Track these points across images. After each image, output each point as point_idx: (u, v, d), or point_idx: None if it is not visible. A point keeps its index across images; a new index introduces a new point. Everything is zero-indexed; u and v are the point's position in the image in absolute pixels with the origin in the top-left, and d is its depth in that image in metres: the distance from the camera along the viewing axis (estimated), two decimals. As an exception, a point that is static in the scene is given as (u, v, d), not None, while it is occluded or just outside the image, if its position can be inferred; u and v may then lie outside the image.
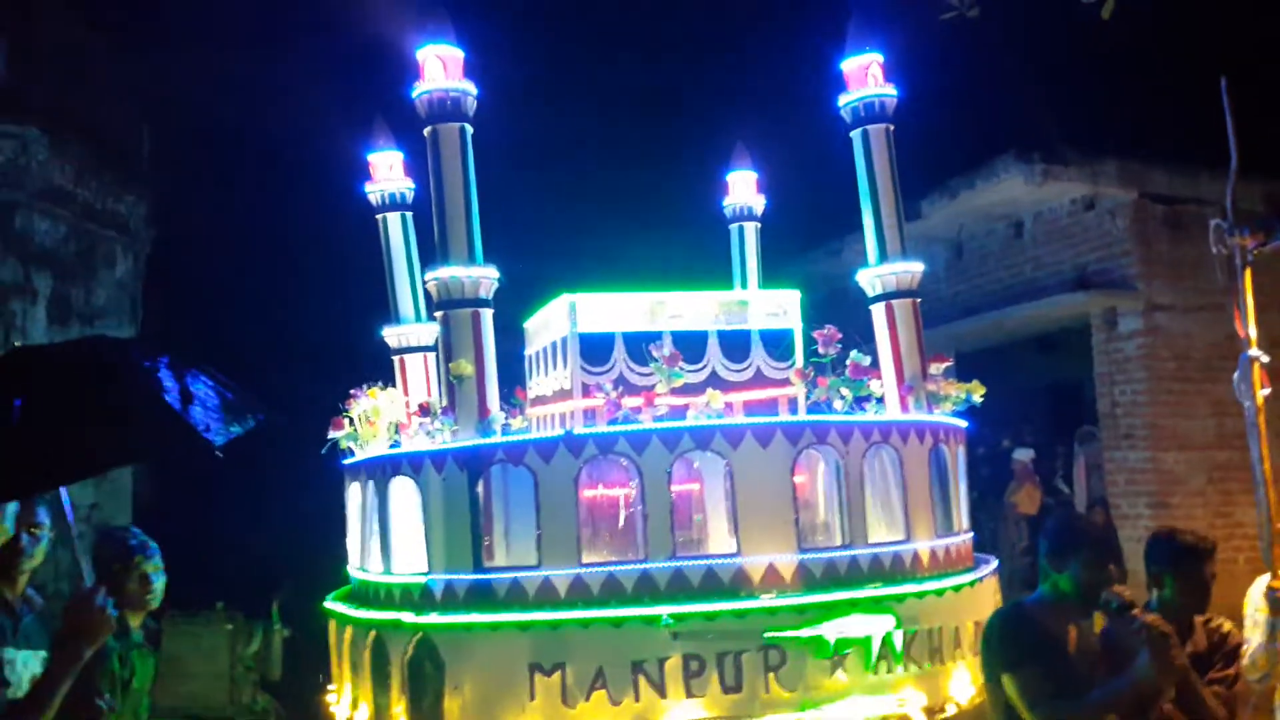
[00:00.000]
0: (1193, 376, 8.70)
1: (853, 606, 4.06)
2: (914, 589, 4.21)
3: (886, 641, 4.06)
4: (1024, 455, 9.99)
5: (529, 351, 5.66)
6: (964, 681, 4.29)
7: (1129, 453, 8.64)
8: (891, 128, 5.04)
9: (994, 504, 10.12)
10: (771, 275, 6.43)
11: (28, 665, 3.36)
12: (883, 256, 4.96)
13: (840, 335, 4.50)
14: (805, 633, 3.97)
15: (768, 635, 3.93)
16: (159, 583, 3.92)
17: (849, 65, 5.11)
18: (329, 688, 5.00)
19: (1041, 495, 9.87)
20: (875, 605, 4.10)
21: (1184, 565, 3.42)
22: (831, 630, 4.00)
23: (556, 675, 3.92)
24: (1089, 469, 9.51)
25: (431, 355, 5.73)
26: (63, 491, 2.86)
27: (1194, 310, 8.84)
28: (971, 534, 4.91)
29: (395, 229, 5.79)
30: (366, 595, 4.78)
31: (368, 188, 5.85)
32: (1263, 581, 4.25)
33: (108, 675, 3.61)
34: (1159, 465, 8.45)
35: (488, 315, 4.55)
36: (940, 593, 4.28)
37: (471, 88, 4.68)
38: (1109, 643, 3.12)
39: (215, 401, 2.91)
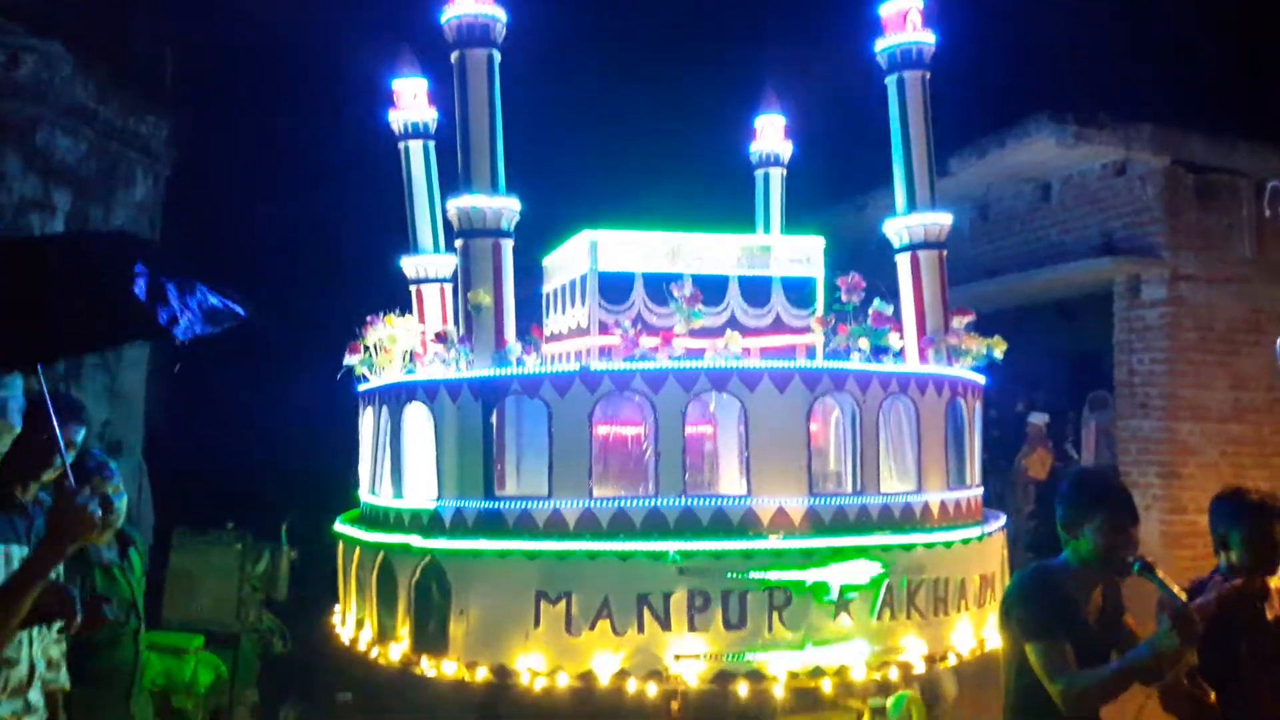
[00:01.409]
0: (1214, 348, 8.63)
1: (860, 553, 4.06)
2: (922, 539, 4.21)
3: (892, 589, 4.07)
4: (1039, 419, 9.97)
5: (547, 289, 5.63)
6: (966, 633, 4.30)
7: (1143, 421, 8.60)
8: (928, 75, 4.95)
9: (1004, 467, 10.11)
10: (794, 228, 6.36)
11: None
12: (911, 206, 4.89)
13: (864, 284, 4.45)
14: (805, 575, 3.96)
15: (767, 580, 3.92)
16: (119, 502, 3.95)
17: (887, 9, 5.00)
18: (334, 609, 5.06)
19: (1052, 460, 9.87)
20: (882, 552, 4.10)
21: (1250, 524, 3.36)
22: (836, 575, 4.00)
23: (562, 604, 3.94)
24: (1099, 435, 9.48)
25: (449, 287, 5.70)
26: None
27: (1219, 282, 8.74)
28: (982, 489, 4.89)
29: (417, 158, 5.73)
30: (376, 519, 4.81)
31: (391, 115, 5.78)
32: None
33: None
34: (1173, 435, 8.42)
35: (508, 246, 4.52)
36: (949, 544, 4.27)
37: (501, 14, 4.60)
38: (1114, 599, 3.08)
39: (193, 302, 2.94)
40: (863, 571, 4.04)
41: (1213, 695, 2.91)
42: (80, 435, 3.52)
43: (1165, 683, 2.83)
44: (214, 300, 3.02)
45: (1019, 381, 10.33)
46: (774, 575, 3.93)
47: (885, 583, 4.06)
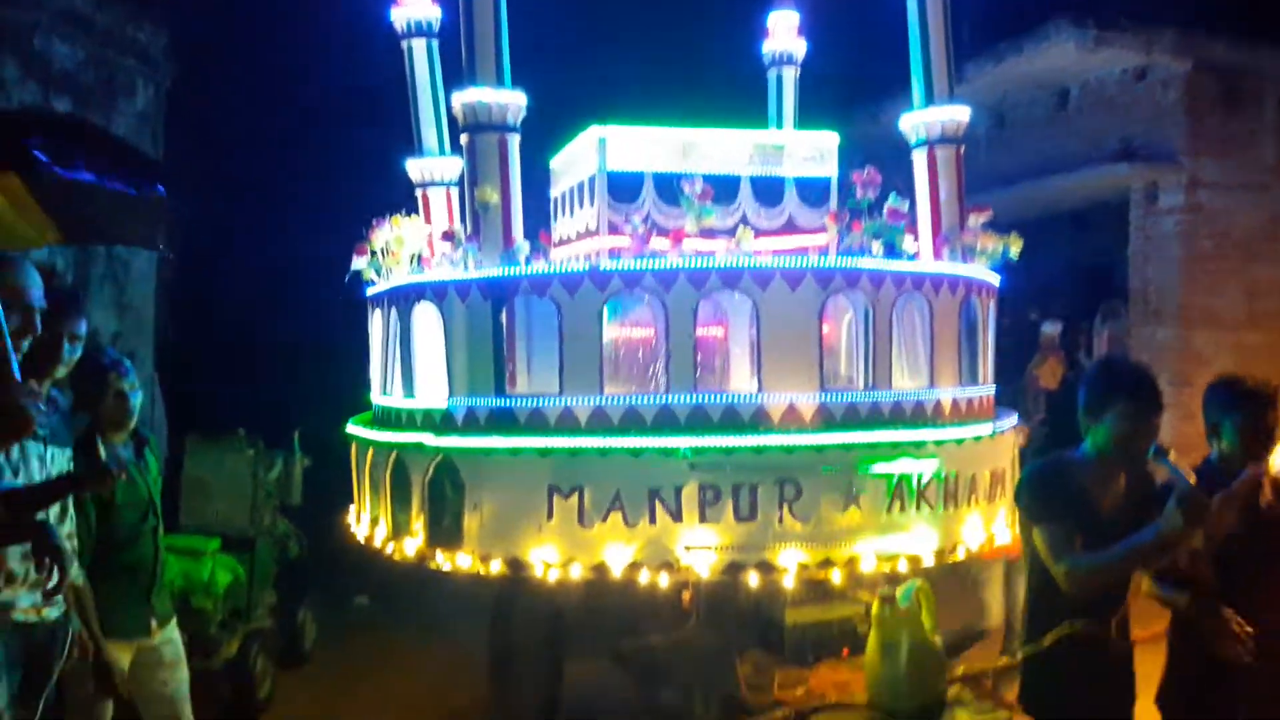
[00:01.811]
0: (1230, 256, 8.55)
1: (871, 448, 4.07)
2: (933, 435, 4.21)
3: (902, 483, 4.08)
4: (1052, 329, 9.92)
5: (554, 192, 5.55)
6: (976, 527, 4.33)
7: (1156, 330, 8.56)
8: (947, -34, 4.78)
9: (1015, 375, 10.10)
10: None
11: (55, 461, 3.43)
12: (928, 99, 4.77)
13: (880, 179, 4.37)
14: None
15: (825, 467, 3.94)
16: (135, 399, 3.97)
17: (906, -104, 4.81)
18: (347, 509, 5.12)
19: (1064, 370, 9.84)
20: (893, 448, 4.10)
21: (1244, 412, 3.34)
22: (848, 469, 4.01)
23: (574, 497, 3.97)
24: (1111, 344, 9.44)
25: (455, 190, 5.63)
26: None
27: (1238, 189, 8.61)
28: (994, 388, 4.88)
29: (420, 57, 5.59)
30: (388, 420, 4.83)
31: (393, 12, 5.64)
32: None
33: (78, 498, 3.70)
34: (1186, 344, 8.39)
35: (514, 142, 4.43)
36: (959, 441, 4.27)
37: (505, -98, 4.44)
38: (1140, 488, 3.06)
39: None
40: (874, 466, 4.05)
41: (1211, 575, 2.92)
42: (82, 327, 3.52)
43: (1164, 565, 2.84)
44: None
45: (1033, 292, 10.26)
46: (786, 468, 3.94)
47: (895, 477, 4.07)
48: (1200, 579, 2.94)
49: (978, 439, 4.35)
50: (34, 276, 3.03)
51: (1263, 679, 3.22)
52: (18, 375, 2.83)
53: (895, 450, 4.11)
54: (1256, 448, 3.38)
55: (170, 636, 4.09)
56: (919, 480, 4.10)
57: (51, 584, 2.98)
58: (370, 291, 5.07)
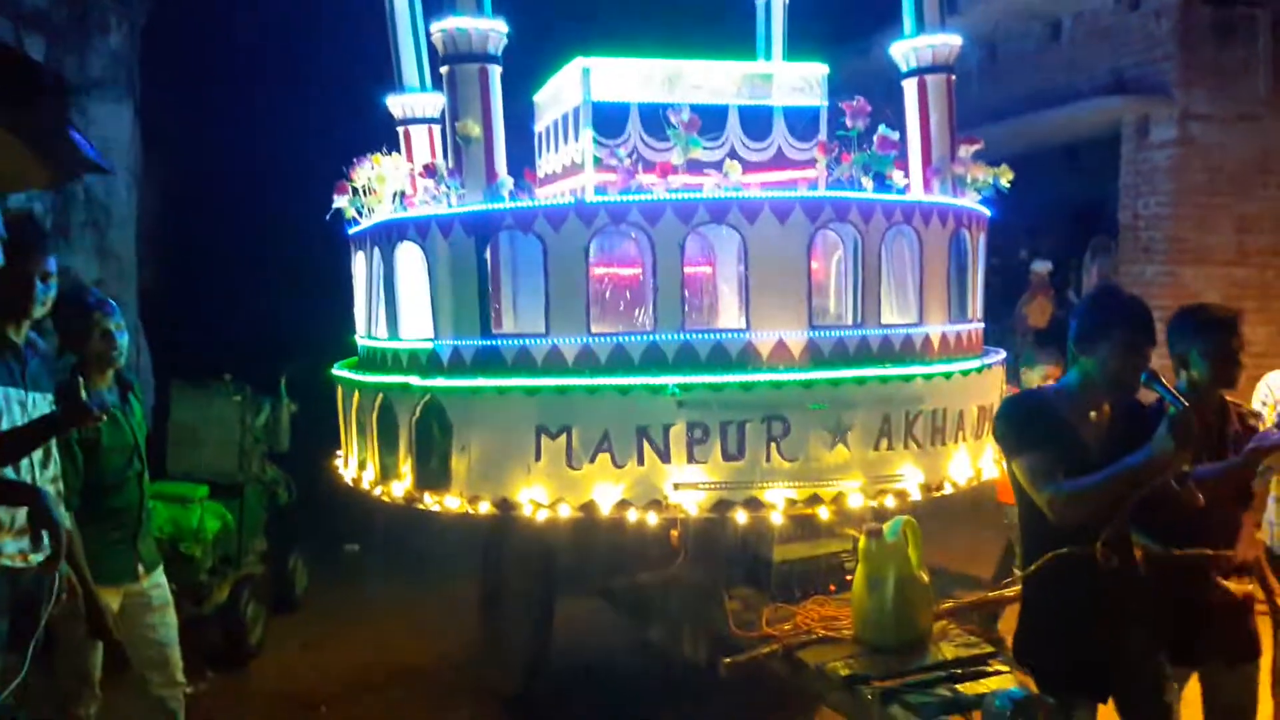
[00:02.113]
0: (1221, 190, 8.49)
1: (859, 384, 4.04)
2: (921, 370, 4.18)
3: (890, 419, 4.06)
4: (1042, 267, 9.89)
5: (539, 127, 5.44)
6: (963, 463, 4.33)
7: (1146, 266, 8.53)
8: (938, -114, 4.64)
9: (1004, 314, 10.08)
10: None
11: (37, 406, 3.38)
12: (919, 28, 4.66)
13: (870, 108, 4.28)
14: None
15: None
16: (122, 339, 3.90)
17: None
18: (335, 454, 5.09)
19: (1053, 309, 9.83)
20: (881, 384, 4.07)
21: (1211, 339, 3.32)
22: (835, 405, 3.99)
23: (562, 438, 3.94)
24: (1100, 280, 9.43)
25: (437, 128, 5.51)
26: None
27: (1231, 121, 8.52)
28: (983, 324, 4.84)
29: (400, -11, 5.43)
30: (374, 361, 4.78)
31: (371, -58, 5.47)
32: (1275, 375, 4.22)
33: (64, 442, 3.66)
34: (1176, 279, 8.36)
35: (496, 73, 4.31)
36: (948, 375, 4.24)
37: None
38: (1125, 417, 3.02)
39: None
40: (861, 402, 4.03)
41: (1201, 499, 2.89)
42: (51, 264, 3.44)
43: (1153, 486, 2.78)
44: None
45: (1023, 228, 10.20)
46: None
47: (884, 413, 4.05)
48: (1190, 501, 2.91)
49: (965, 373, 4.33)
50: None
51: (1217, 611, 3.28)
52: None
53: (884, 385, 4.09)
54: (1225, 373, 3.37)
55: (158, 581, 4.07)
56: (908, 417, 4.08)
57: (41, 556, 2.96)
58: (352, 231, 4.98)
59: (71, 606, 3.47)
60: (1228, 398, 3.44)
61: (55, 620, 3.36)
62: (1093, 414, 2.95)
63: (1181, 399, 2.68)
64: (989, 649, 3.83)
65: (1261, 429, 3.97)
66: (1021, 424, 2.95)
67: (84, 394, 3.75)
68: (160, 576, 4.13)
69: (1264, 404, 4.18)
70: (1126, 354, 2.85)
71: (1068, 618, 2.94)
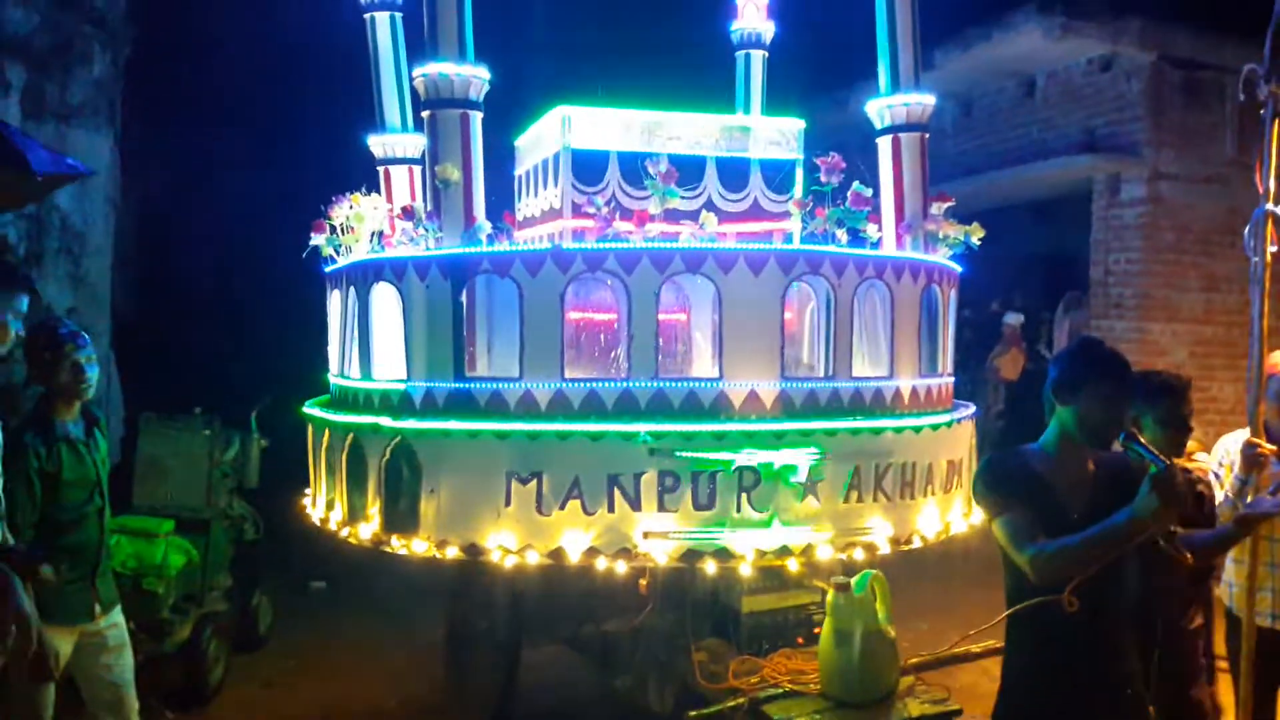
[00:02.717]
0: (1189, 249, 8.65)
1: (829, 436, 4.05)
2: (891, 424, 4.20)
3: (860, 472, 4.08)
4: (1014, 320, 10.01)
5: (519, 171, 5.49)
6: (932, 517, 4.34)
7: (1116, 322, 8.65)
8: (915, -49, 4.76)
9: (975, 367, 10.18)
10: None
11: None
12: (894, 86, 4.75)
13: (844, 165, 4.35)
14: (775, 456, 3.96)
15: (735, 465, 3.90)
16: (91, 373, 3.88)
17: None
18: (304, 492, 5.04)
19: (1025, 361, 9.94)
20: (851, 436, 4.10)
21: (1161, 404, 3.38)
22: (805, 458, 4.00)
23: (533, 483, 3.93)
24: (1072, 335, 9.54)
25: (418, 168, 5.54)
26: None
27: (1199, 181, 8.70)
28: (954, 378, 4.89)
29: (383, 30, 5.49)
30: (345, 401, 4.76)
31: (357, -17, 5.52)
32: (1235, 436, 4.26)
33: (23, 471, 3.62)
34: (1145, 335, 8.49)
35: (477, 119, 4.35)
36: (918, 429, 4.27)
37: (470, -128, 4.34)
38: (1107, 475, 2.98)
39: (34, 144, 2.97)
40: (830, 455, 4.04)
41: (1190, 557, 2.89)
42: (24, 303, 3.42)
43: (1142, 540, 2.75)
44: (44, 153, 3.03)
45: (995, 282, 10.33)
46: (744, 458, 3.92)
47: (854, 466, 4.07)
48: (1180, 560, 2.91)
49: (935, 428, 4.36)
50: None
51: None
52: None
53: (855, 437, 4.11)
54: (1177, 439, 3.40)
55: (115, 620, 4.01)
56: (877, 470, 4.10)
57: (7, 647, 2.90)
58: (329, 269, 4.98)
59: (17, 645, 3.40)
60: (1176, 462, 3.48)
61: (6, 662, 3.29)
62: (1074, 471, 2.92)
63: (1162, 457, 2.68)
64: (955, 707, 3.82)
65: (1210, 494, 4.03)
66: (999, 485, 2.91)
67: (57, 431, 3.73)
68: (118, 615, 4.06)
69: (1221, 464, 4.22)
70: (1105, 406, 2.83)
71: (1045, 689, 2.88)
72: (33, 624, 3.00)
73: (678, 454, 3.89)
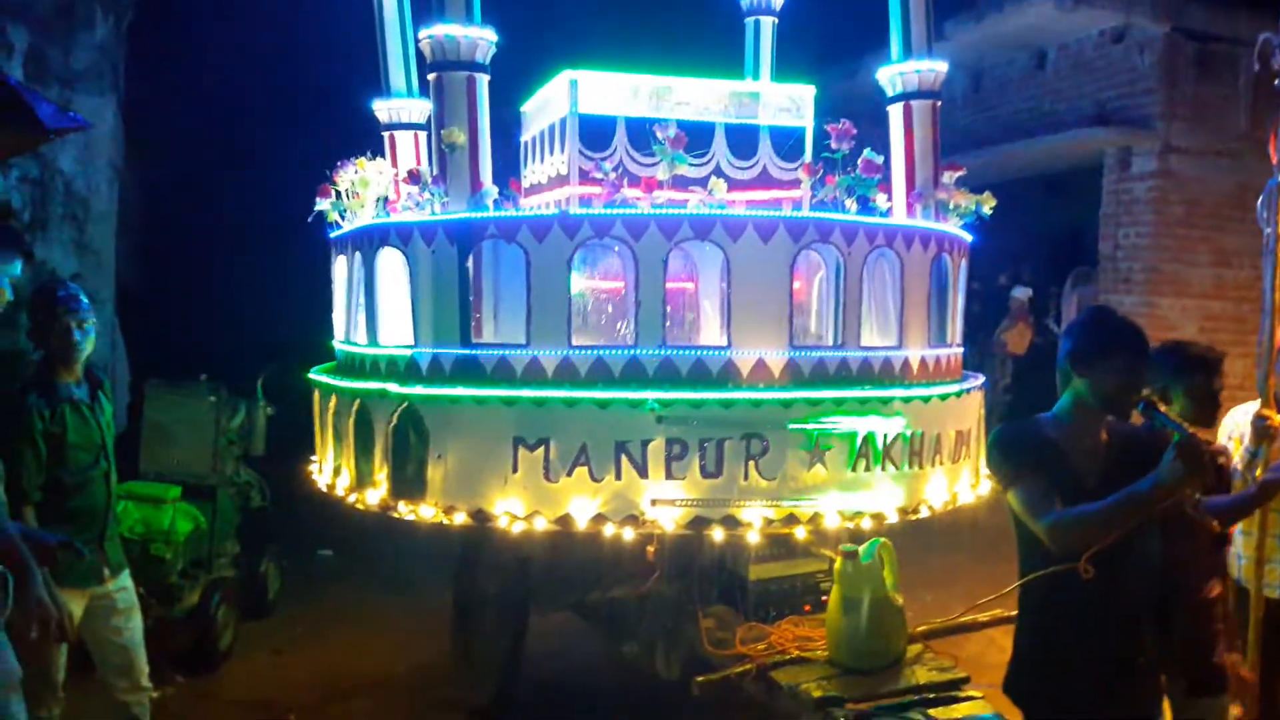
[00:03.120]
0: (1199, 223, 8.59)
1: (837, 405, 4.04)
2: (900, 393, 4.19)
3: (868, 440, 4.07)
4: (1022, 294, 9.98)
5: (525, 137, 5.44)
6: (940, 486, 4.33)
7: (1125, 296, 8.60)
8: (928, -86, 4.68)
9: (983, 340, 10.16)
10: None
11: None
12: (906, 53, 4.69)
13: (855, 130, 4.30)
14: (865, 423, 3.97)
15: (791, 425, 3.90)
16: (81, 338, 3.86)
17: None
18: (311, 459, 5.04)
19: (1032, 335, 9.91)
20: (859, 405, 4.08)
21: (1192, 378, 3.34)
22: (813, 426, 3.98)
23: (540, 450, 3.92)
24: (1080, 310, 9.50)
25: (423, 134, 5.49)
26: None
27: (1210, 155, 8.63)
28: (963, 348, 4.87)
29: (390, -8, 5.42)
30: (352, 367, 4.75)
31: (362, -54, 5.45)
32: (1245, 408, 4.24)
33: (28, 432, 3.62)
34: (1153, 310, 8.45)
35: (483, 82, 4.30)
36: (926, 399, 4.26)
37: None
38: (1121, 445, 2.92)
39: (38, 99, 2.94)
40: (839, 423, 4.03)
41: (1216, 524, 2.86)
42: (17, 267, 3.40)
43: (1164, 508, 2.72)
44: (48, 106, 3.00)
45: (1004, 256, 10.28)
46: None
47: (860, 435, 4.06)
48: (1206, 526, 2.89)
49: (944, 398, 4.34)
50: None
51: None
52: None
53: (863, 406, 4.09)
54: (1206, 412, 3.37)
55: (124, 584, 4.02)
56: (884, 439, 4.09)
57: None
58: (334, 235, 4.95)
59: (42, 634, 3.40)
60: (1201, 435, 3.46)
61: (13, 622, 3.30)
62: (1088, 440, 2.90)
63: (1184, 425, 2.66)
64: (962, 674, 3.83)
65: (1230, 464, 4.02)
66: (1014, 453, 2.89)
67: (60, 392, 3.71)
68: (127, 579, 4.07)
69: (1230, 438, 4.21)
70: (1123, 376, 2.79)
71: (1057, 660, 2.87)
72: (55, 613, 3.00)
73: (790, 426, 3.92)
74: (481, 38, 4.24)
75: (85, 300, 3.95)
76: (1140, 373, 2.84)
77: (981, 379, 4.89)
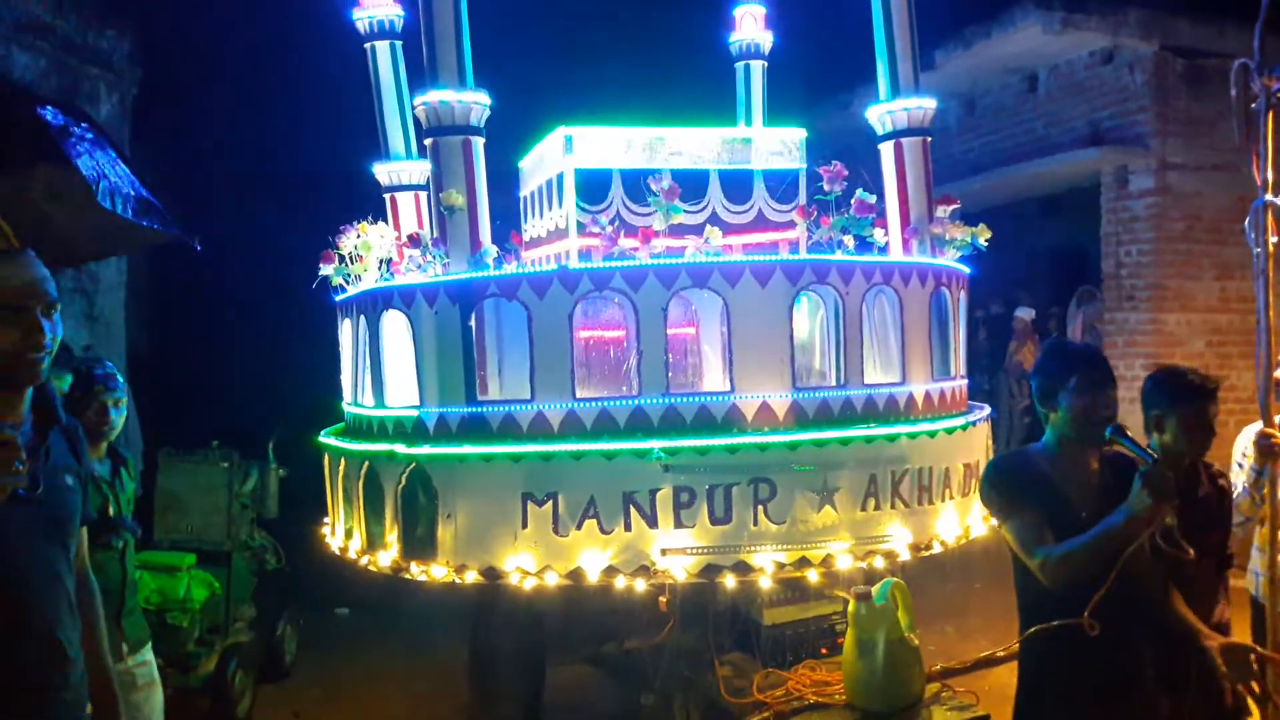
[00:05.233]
0: (1200, 238, 8.60)
1: (843, 444, 4.05)
2: (906, 429, 4.19)
3: (876, 479, 4.06)
4: (1025, 314, 9.99)
5: (523, 193, 5.51)
6: (951, 521, 4.32)
7: (1130, 314, 8.60)
8: (910, -45, 4.76)
9: (994, 368, 10.16)
10: (777, 124, 6.19)
11: None
12: (894, 91, 4.75)
13: (847, 172, 4.35)
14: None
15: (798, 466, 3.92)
16: (116, 416, 3.93)
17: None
18: (324, 520, 5.06)
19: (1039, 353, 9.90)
20: (866, 444, 4.09)
21: (1187, 405, 3.34)
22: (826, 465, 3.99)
23: (548, 504, 3.93)
24: (1085, 329, 9.51)
25: (424, 194, 5.57)
26: None
27: (1207, 170, 8.65)
28: (967, 380, 4.87)
29: (384, 59, 5.53)
30: (360, 429, 4.78)
31: (355, 14, 5.57)
32: (1252, 429, 4.23)
33: None
34: (1159, 327, 8.43)
35: (479, 144, 4.37)
36: (932, 434, 4.26)
37: (463, -100, 4.37)
38: (1112, 473, 2.98)
39: (122, 173, 2.90)
40: (846, 463, 4.03)
41: (1192, 553, 2.88)
42: (66, 382, 3.48)
43: (1136, 546, 2.74)
44: (146, 194, 2.97)
45: (1007, 278, 10.30)
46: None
47: (869, 473, 4.06)
48: (1184, 558, 2.89)
49: (950, 431, 4.34)
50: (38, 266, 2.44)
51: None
52: None
53: (869, 445, 4.10)
54: (1200, 441, 3.36)
55: (144, 659, 4.03)
56: (894, 476, 4.09)
57: None
58: (339, 298, 5.01)
59: None
60: (1200, 459, 3.45)
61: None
62: (1078, 471, 2.93)
63: (1150, 452, 2.69)
64: (982, 713, 3.80)
65: (1229, 485, 4.00)
66: (1007, 488, 2.94)
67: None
68: (147, 654, 4.08)
69: (1245, 454, 4.19)
70: (1086, 394, 2.85)
71: (1061, 704, 2.88)
72: None
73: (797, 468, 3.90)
74: (475, 101, 4.32)
75: (121, 379, 4.02)
76: (1099, 392, 2.88)
77: (987, 410, 4.89)
